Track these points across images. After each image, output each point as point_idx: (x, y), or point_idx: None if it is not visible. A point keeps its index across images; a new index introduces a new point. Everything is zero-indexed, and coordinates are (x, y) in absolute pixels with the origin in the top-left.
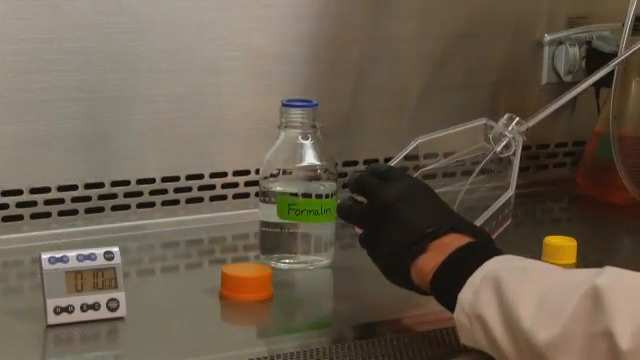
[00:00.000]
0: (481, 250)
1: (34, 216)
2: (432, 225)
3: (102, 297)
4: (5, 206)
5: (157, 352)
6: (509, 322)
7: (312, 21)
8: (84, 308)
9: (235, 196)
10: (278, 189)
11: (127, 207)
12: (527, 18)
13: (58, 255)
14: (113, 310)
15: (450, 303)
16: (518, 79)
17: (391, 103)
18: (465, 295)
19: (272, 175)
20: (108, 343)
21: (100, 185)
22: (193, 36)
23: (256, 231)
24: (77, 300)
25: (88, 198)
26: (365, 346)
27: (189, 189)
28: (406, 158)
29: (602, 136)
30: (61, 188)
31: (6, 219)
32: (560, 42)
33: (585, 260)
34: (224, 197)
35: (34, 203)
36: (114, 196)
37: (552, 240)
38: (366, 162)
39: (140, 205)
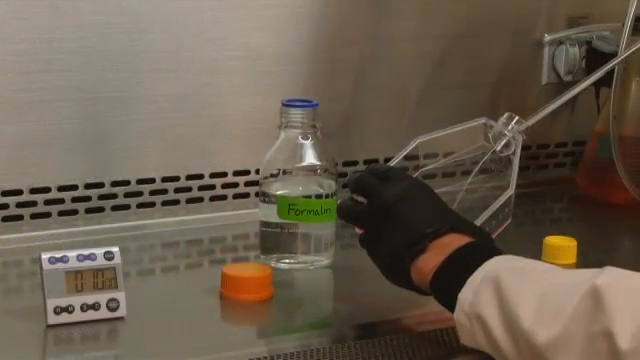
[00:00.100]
0: (481, 250)
1: (34, 216)
2: (432, 225)
3: (102, 297)
4: (5, 206)
5: (157, 352)
6: (509, 322)
7: (312, 21)
8: (84, 308)
9: (235, 196)
10: (278, 189)
11: (127, 207)
12: (527, 18)
13: (58, 255)
14: (113, 310)
15: (450, 303)
16: (518, 79)
17: (391, 103)
18: (465, 295)
19: (272, 175)
20: (108, 343)
21: (100, 185)
22: (193, 36)
23: (256, 231)
24: (77, 300)
25: (88, 198)
26: (365, 346)
27: (189, 189)
28: (406, 158)
29: (602, 136)
30: (61, 188)
31: (6, 219)
32: (560, 42)
33: (585, 260)
34: (224, 197)
35: (34, 203)
36: (114, 196)
37: (552, 240)
38: (366, 162)
39: (140, 205)
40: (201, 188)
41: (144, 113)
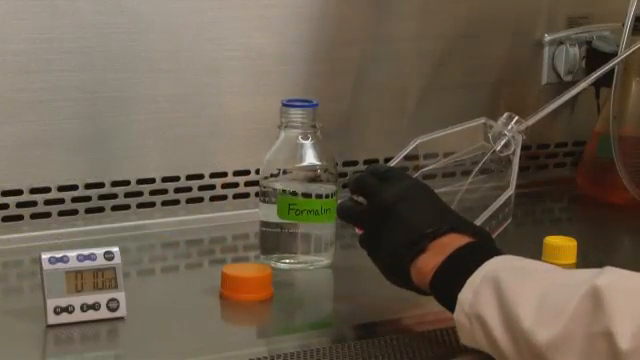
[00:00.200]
0: (481, 250)
1: (34, 216)
2: (432, 225)
3: (102, 297)
4: (5, 206)
5: (157, 352)
6: (509, 322)
7: (312, 21)
8: (84, 308)
9: (235, 196)
10: (278, 189)
11: (127, 207)
12: (527, 18)
13: (58, 255)
14: (113, 310)
15: (450, 303)
16: (518, 79)
17: (391, 103)
18: (465, 295)
19: (272, 175)
20: (108, 343)
21: (100, 185)
22: (193, 36)
23: (256, 231)
24: (77, 300)
25: (88, 198)
26: (365, 346)
27: (189, 189)
28: (406, 158)
29: (602, 136)
30: (61, 188)
31: (6, 219)
32: (560, 42)
33: (585, 260)
34: (224, 197)
35: (34, 203)
36: (114, 196)
37: (552, 240)
38: (366, 162)
39: (140, 205)
40: (201, 188)
41: (144, 113)
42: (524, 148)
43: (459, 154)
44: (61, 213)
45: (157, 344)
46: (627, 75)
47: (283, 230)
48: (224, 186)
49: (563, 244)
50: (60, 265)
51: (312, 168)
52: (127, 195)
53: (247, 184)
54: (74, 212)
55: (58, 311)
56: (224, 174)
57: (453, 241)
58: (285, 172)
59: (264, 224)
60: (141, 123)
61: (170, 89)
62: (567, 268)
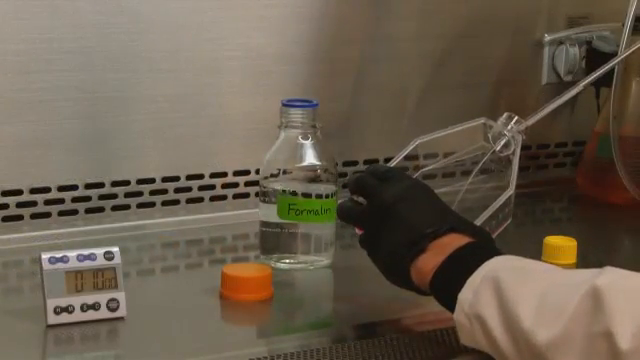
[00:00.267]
0: (481, 250)
1: (34, 216)
2: (432, 225)
3: (102, 297)
4: (5, 206)
5: (157, 352)
6: (509, 322)
7: (312, 21)
8: (84, 308)
9: (235, 196)
10: (278, 189)
11: (127, 207)
12: (527, 18)
13: (58, 255)
14: (113, 310)
15: (450, 303)
16: (518, 79)
17: (391, 103)
18: (465, 295)
19: (272, 175)
20: (108, 343)
21: (100, 185)
22: (193, 36)
23: (256, 231)
24: (77, 300)
25: (88, 198)
26: (365, 346)
27: (189, 189)
28: (406, 158)
29: (602, 136)
30: (61, 188)
31: (6, 219)
32: (560, 42)
33: (585, 260)
34: (224, 197)
35: (34, 203)
36: (114, 196)
37: (552, 240)
38: (366, 162)
39: (140, 205)
40: (201, 188)
41: (144, 113)
42: (524, 148)
43: (459, 154)
44: (61, 213)
45: (157, 344)
46: (627, 75)
47: (283, 230)
48: (224, 186)
49: (563, 244)
50: (60, 265)
51: (312, 168)
52: (127, 195)
53: (247, 184)
54: (74, 212)
55: (58, 311)
56: (224, 174)
57: (453, 241)
58: (285, 172)
59: (264, 224)
60: (141, 123)
61: (170, 89)
62: (567, 268)
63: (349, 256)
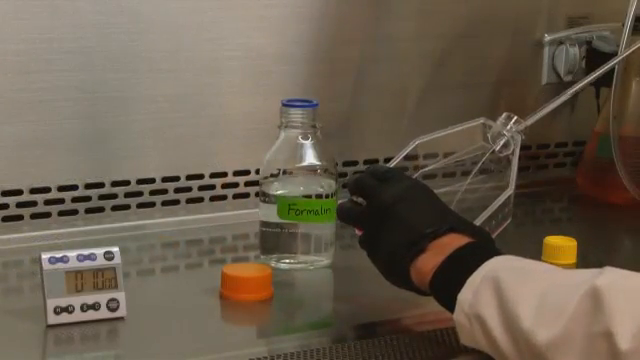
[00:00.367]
0: (481, 250)
1: (34, 216)
2: (431, 225)
3: (102, 297)
4: (5, 206)
5: (157, 352)
6: (509, 322)
7: (312, 21)
8: (84, 308)
9: (235, 196)
10: (278, 189)
11: (127, 207)
12: (527, 18)
13: (58, 255)
14: (113, 310)
15: (450, 303)
16: (518, 79)
17: (391, 103)
18: (465, 295)
19: (272, 175)
20: (108, 343)
21: (100, 185)
22: (193, 36)
23: (256, 231)
24: (77, 300)
25: (88, 198)
26: (365, 346)
27: (189, 189)
28: (406, 158)
29: (602, 136)
30: (61, 188)
31: (6, 219)
32: (560, 42)
33: (585, 260)
34: (224, 197)
35: (34, 203)
36: (114, 196)
37: (552, 240)
38: (366, 162)
39: (140, 205)
40: (201, 188)
41: (144, 113)
42: (524, 148)
43: (459, 154)
44: (61, 213)
45: (157, 344)
46: (627, 75)
47: (283, 230)
48: (224, 186)
49: (563, 244)
50: (60, 265)
51: (312, 168)
52: (127, 195)
53: (247, 184)
54: (74, 212)
55: (58, 311)
56: (224, 174)
57: (453, 241)
58: (285, 172)
59: (264, 224)
60: (141, 123)
61: (170, 89)
62: (567, 268)
63: (349, 256)
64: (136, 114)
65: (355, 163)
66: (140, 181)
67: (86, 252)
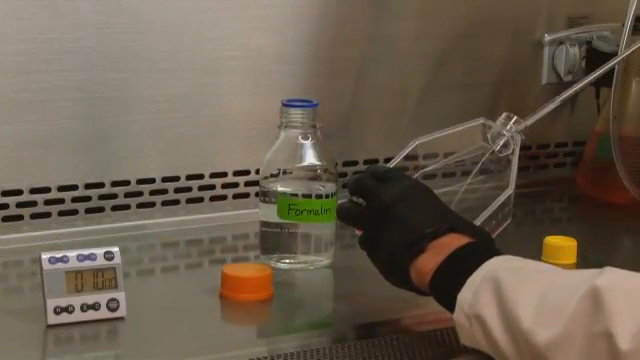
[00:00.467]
0: (481, 250)
1: (34, 216)
2: (431, 225)
3: (102, 297)
4: (5, 206)
5: (157, 352)
6: (509, 322)
7: (312, 21)
8: (84, 308)
9: (235, 196)
10: (278, 189)
11: (127, 207)
12: (527, 18)
13: (58, 255)
14: (113, 310)
15: (450, 303)
16: (518, 79)
17: (391, 103)
18: (465, 295)
19: (272, 175)
20: (108, 343)
21: (100, 185)
22: (193, 36)
23: (256, 231)
24: (77, 300)
25: (88, 198)
26: (365, 346)
27: (189, 189)
28: (406, 159)
29: (602, 136)
30: (61, 188)
31: (6, 219)
32: (560, 42)
33: (585, 260)
34: (224, 197)
35: (34, 203)
36: (114, 196)
37: (552, 240)
38: (366, 162)
39: (140, 205)
40: (201, 188)
41: (144, 113)
42: (524, 148)
43: (459, 154)
44: (61, 213)
45: (157, 344)
46: (627, 75)
47: (283, 230)
48: (224, 186)
49: (563, 244)
50: (60, 265)
51: (312, 168)
52: (127, 195)
53: (247, 184)
54: (74, 212)
55: (58, 311)
56: (224, 174)
57: (453, 241)
58: (285, 172)
59: (264, 224)
60: (141, 123)
61: (170, 89)
62: (567, 268)
63: (349, 256)
64: (136, 114)
65: (355, 163)
66: (140, 181)
67: (86, 252)
